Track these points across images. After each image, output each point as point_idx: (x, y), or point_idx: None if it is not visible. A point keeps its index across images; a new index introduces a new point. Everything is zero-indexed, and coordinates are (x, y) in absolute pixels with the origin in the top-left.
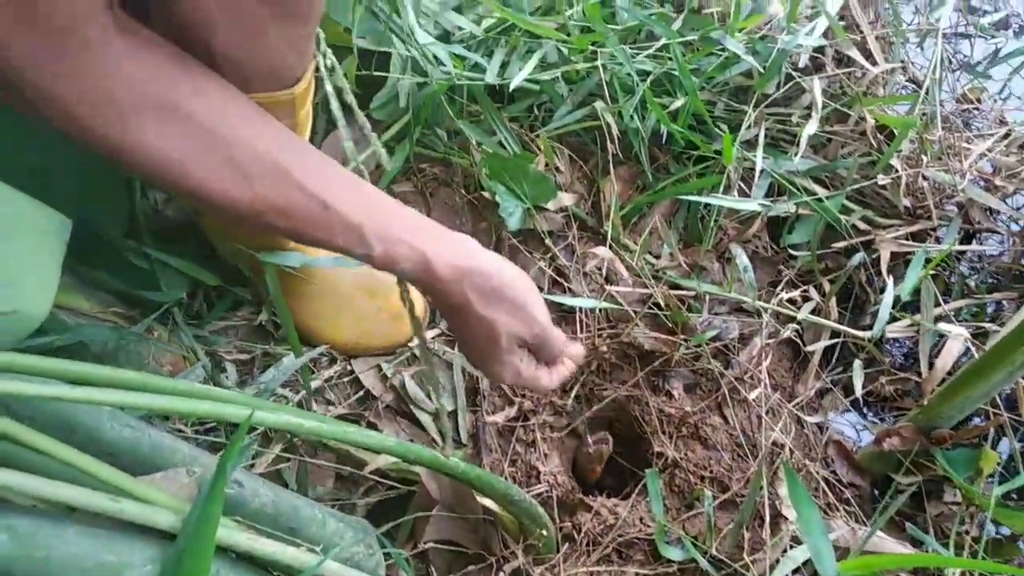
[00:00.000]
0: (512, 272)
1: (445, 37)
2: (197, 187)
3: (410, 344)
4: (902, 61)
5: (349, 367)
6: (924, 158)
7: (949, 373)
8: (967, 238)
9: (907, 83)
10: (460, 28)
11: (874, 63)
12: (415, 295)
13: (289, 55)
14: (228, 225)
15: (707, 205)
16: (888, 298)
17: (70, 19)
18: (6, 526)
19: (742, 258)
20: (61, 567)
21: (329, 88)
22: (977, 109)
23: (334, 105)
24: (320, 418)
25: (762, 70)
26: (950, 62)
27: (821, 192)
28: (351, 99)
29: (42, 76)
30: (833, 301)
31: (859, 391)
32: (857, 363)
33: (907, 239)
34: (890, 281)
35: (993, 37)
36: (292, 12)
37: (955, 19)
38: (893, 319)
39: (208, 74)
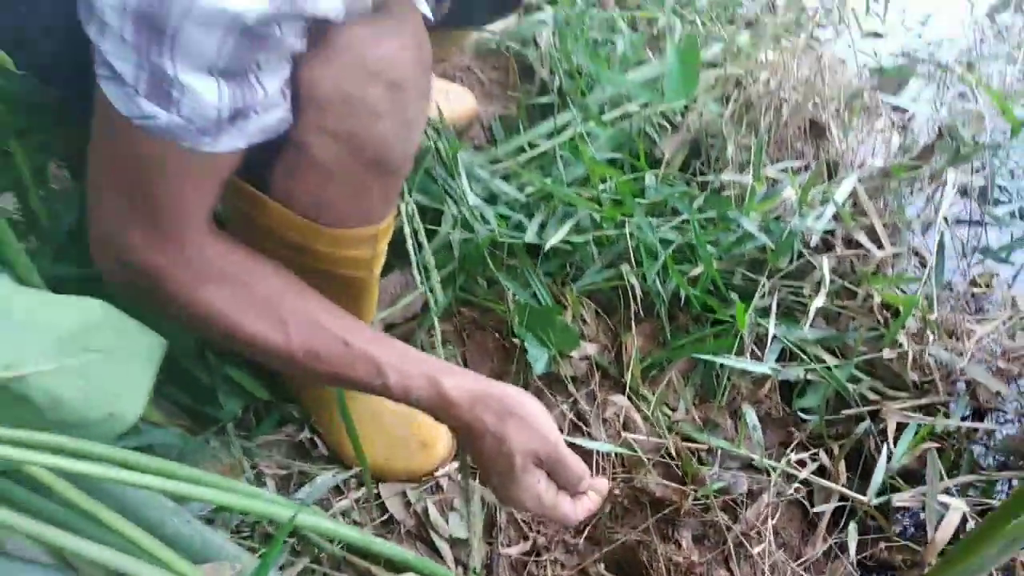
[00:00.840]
0: (520, 394)
1: (492, 199)
2: (250, 337)
3: (435, 473)
4: (911, 246)
5: (376, 491)
6: (930, 336)
7: (950, 544)
8: (978, 415)
9: (918, 264)
10: (505, 193)
11: (880, 247)
12: (442, 430)
13: (381, 202)
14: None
15: (722, 365)
16: (882, 463)
17: (177, 219)
18: None
19: (752, 416)
20: None
21: (407, 229)
22: (985, 292)
23: (409, 244)
24: (352, 528)
25: (774, 247)
26: (963, 246)
27: (830, 360)
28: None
29: (162, 272)
30: (842, 465)
31: (853, 554)
32: (852, 526)
33: (916, 411)
34: (895, 449)
35: (1007, 225)
36: (390, 170)
37: (970, 207)
38: (897, 488)
39: (267, 264)
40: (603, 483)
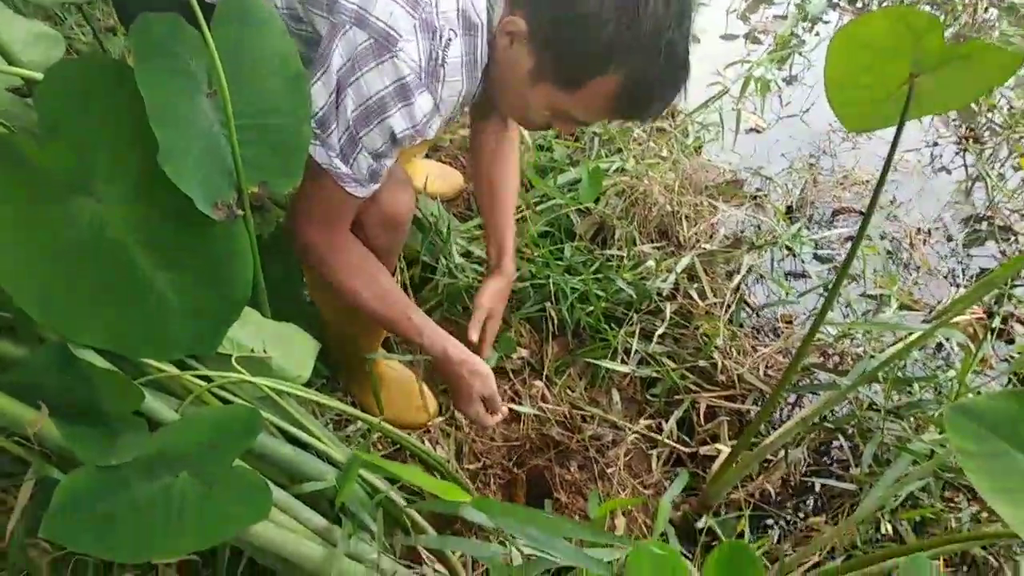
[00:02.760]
0: (482, 364)
1: (468, 255)
2: (370, 308)
3: (428, 424)
4: (726, 299)
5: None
6: (732, 352)
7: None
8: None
9: (729, 307)
10: (477, 252)
11: (704, 298)
12: (431, 399)
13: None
14: (365, 327)
15: (603, 367)
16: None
17: (337, 227)
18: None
19: (616, 396)
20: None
21: (406, 275)
22: (784, 328)
23: (408, 284)
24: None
25: (636, 296)
26: (765, 298)
27: (670, 365)
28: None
29: (324, 251)
30: (673, 428)
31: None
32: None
33: (718, 399)
34: (704, 422)
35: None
36: (398, 248)
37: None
38: (704, 443)
39: (374, 258)
40: (505, 410)
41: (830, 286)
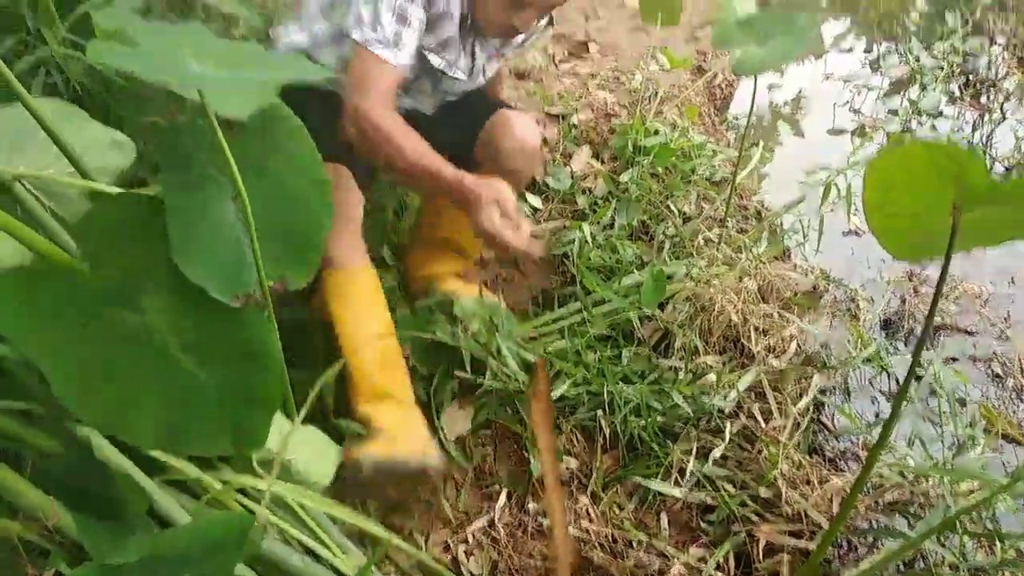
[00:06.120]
0: (498, 181)
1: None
2: (411, 161)
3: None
4: (795, 419)
5: None
6: (796, 482)
7: None
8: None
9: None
10: (527, 357)
11: (768, 420)
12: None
13: None
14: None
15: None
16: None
17: (381, 100)
18: None
19: (664, 521)
20: None
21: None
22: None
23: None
24: None
25: (693, 414)
26: (832, 423)
27: (730, 490)
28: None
29: (375, 118)
30: (731, 562)
31: None
32: None
33: (781, 534)
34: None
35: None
36: None
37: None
38: None
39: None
40: (538, 246)
41: (903, 411)
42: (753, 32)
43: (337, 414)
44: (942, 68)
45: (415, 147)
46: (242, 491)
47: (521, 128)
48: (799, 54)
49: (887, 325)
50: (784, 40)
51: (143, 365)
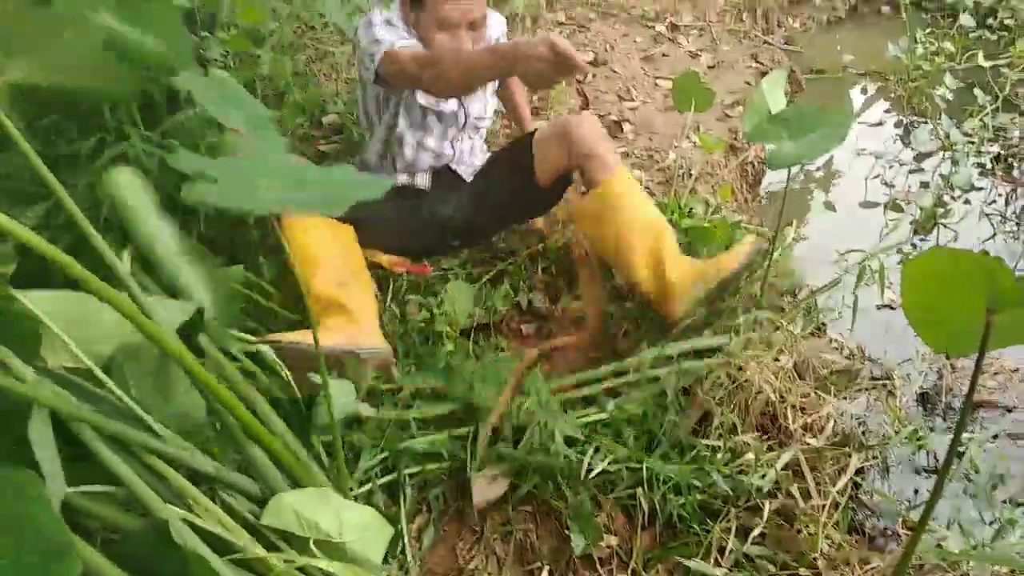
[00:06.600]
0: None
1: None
2: (466, 56)
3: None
4: (834, 498)
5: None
6: (837, 561)
7: None
8: None
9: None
10: (572, 435)
11: (807, 499)
12: None
13: None
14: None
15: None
16: None
17: (409, 57)
18: None
19: None
20: None
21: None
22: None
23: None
24: None
25: (732, 492)
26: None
27: (770, 568)
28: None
29: (410, 49)
30: None
31: None
32: None
33: None
34: None
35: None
36: None
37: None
38: None
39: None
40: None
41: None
42: (787, 128)
43: None
44: (972, 143)
45: (457, 48)
46: (301, 570)
47: (553, 123)
48: (833, 148)
49: (923, 399)
50: (818, 135)
51: None
